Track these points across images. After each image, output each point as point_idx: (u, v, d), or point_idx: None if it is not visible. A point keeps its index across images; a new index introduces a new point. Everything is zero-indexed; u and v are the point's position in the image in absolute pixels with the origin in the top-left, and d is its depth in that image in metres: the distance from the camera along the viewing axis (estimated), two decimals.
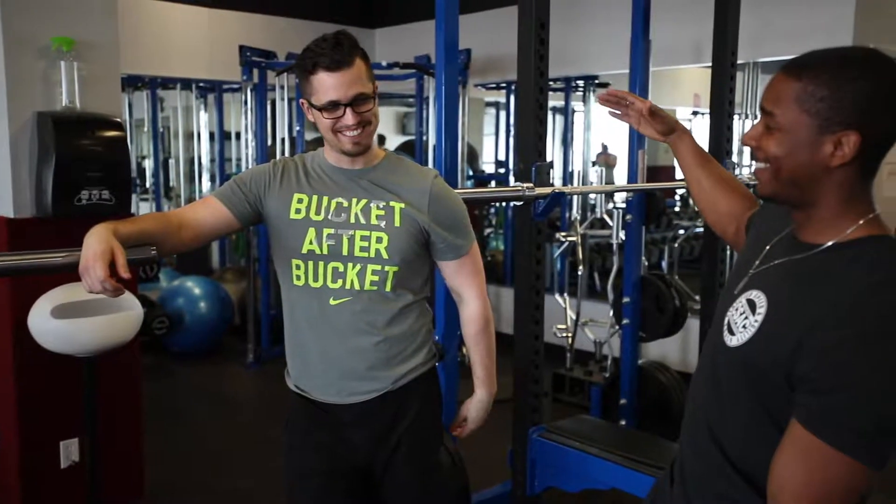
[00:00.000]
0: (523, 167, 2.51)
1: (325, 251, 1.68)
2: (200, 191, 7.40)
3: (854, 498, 1.03)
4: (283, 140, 5.74)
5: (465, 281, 1.82)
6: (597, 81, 6.00)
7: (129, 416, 3.16)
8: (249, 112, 5.31)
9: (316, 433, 1.77)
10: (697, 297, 4.20)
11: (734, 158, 3.46)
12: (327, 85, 1.59)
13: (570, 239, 4.63)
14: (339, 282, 1.68)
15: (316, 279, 1.69)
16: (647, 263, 4.57)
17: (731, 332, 1.14)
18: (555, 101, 6.69)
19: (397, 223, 1.69)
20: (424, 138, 6.08)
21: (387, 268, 1.69)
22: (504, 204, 6.36)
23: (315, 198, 1.70)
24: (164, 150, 7.52)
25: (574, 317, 4.61)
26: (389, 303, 1.72)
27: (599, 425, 3.12)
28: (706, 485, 1.21)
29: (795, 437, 1.03)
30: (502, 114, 7.63)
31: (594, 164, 7.28)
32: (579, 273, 4.65)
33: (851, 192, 1.09)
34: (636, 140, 3.37)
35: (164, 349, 5.35)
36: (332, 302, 1.69)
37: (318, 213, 1.69)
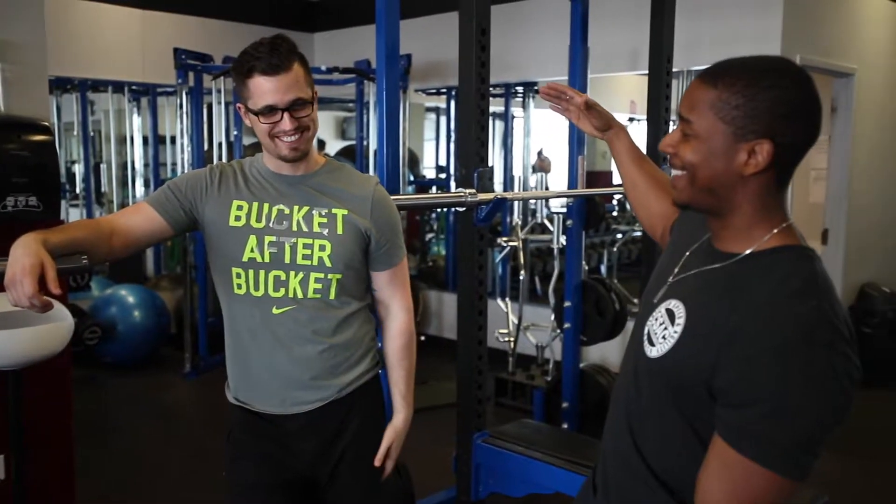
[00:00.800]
0: (465, 173, 2.51)
1: (266, 259, 1.64)
2: (134, 196, 7.20)
3: None
4: (220, 145, 5.63)
5: (395, 292, 1.81)
6: (536, 88, 6.07)
7: (58, 430, 3.03)
8: (185, 116, 5.19)
9: (259, 445, 1.73)
10: (636, 301, 4.28)
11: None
12: (264, 89, 1.57)
13: (511, 244, 4.66)
14: (282, 290, 1.65)
15: (257, 288, 1.65)
16: (586, 267, 4.63)
17: (651, 343, 1.14)
18: (495, 106, 6.72)
19: (340, 230, 1.67)
20: (365, 143, 6.05)
21: (330, 276, 1.67)
22: (446, 209, 6.37)
23: (255, 205, 1.66)
24: (95, 154, 7.29)
25: (516, 321, 4.64)
26: (334, 310, 1.69)
27: (542, 429, 3.14)
28: (629, 494, 1.21)
29: (718, 452, 1.03)
30: (443, 119, 7.65)
31: (534, 169, 7.36)
32: (521, 278, 4.68)
33: (765, 200, 1.10)
34: (576, 145, 3.42)
35: (96, 360, 5.18)
36: (274, 311, 1.66)
37: (258, 220, 1.65)
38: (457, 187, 2.53)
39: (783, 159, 1.07)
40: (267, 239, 1.64)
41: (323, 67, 5.41)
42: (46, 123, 2.86)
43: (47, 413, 2.95)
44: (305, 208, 1.67)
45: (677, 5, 3.25)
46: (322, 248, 1.65)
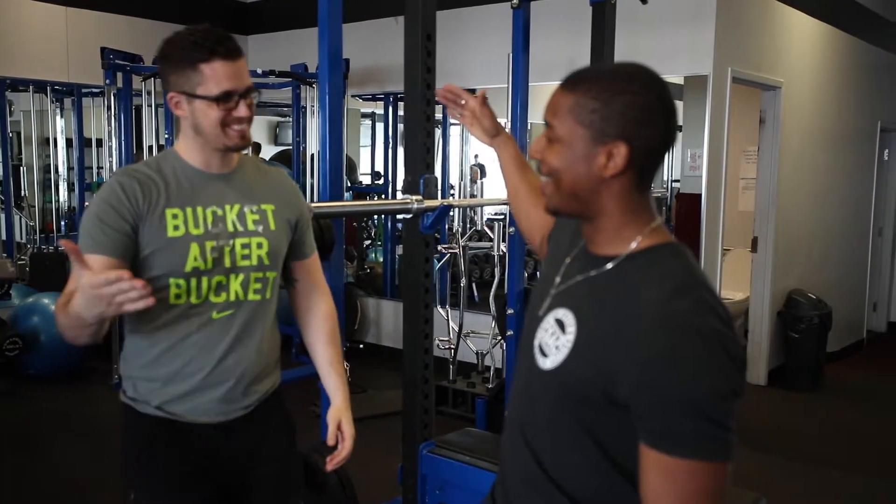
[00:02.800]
0: (411, 179, 2.48)
1: (209, 265, 1.56)
2: (57, 200, 6.91)
3: (723, 496, 1.06)
4: (150, 148, 5.45)
5: (319, 276, 1.82)
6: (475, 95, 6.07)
7: None
8: (113, 118, 5.01)
9: (187, 460, 1.64)
10: None
11: None
12: (223, 74, 1.50)
13: (451, 251, 4.64)
14: (223, 295, 1.59)
15: (199, 296, 1.57)
16: (527, 274, 4.65)
17: (545, 354, 1.15)
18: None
19: (273, 226, 1.64)
20: (302, 147, 5.95)
21: (268, 274, 1.64)
22: (384, 216, 6.31)
23: (189, 210, 1.56)
24: (13, 157, 6.97)
25: (456, 328, 4.62)
26: (268, 310, 1.68)
27: (487, 438, 3.11)
28: None
29: (651, 462, 1.04)
30: (379, 125, 7.60)
31: (472, 178, 7.38)
32: (461, 285, 4.66)
33: (630, 202, 1.13)
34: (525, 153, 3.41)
35: (17, 372, 4.93)
36: (214, 316, 1.59)
37: (196, 226, 1.56)
38: (403, 194, 2.49)
39: (640, 161, 1.10)
40: (208, 245, 1.56)
41: (259, 70, 5.30)
42: None
43: None
44: (237, 206, 1.61)
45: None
46: (259, 245, 1.62)
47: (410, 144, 2.51)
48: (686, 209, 5.80)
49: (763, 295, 5.30)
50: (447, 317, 4.81)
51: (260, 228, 1.62)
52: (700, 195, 4.74)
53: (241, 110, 1.53)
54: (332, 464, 1.73)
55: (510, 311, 3.53)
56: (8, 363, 4.76)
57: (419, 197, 2.44)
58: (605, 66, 1.19)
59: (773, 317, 5.35)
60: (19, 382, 4.92)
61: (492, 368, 4.55)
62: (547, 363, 1.13)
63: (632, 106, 1.08)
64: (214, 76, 1.50)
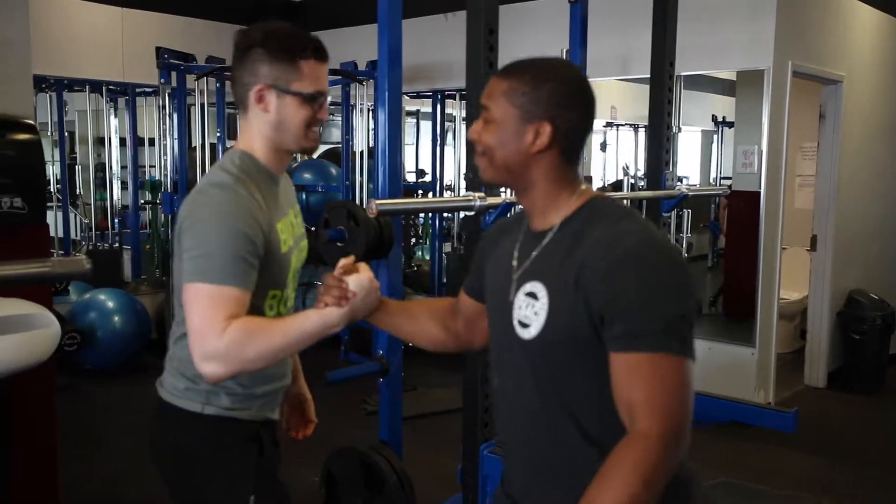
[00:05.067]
0: (473, 177, 2.44)
1: (294, 276, 1.61)
2: (111, 198, 7.04)
3: (689, 391, 1.16)
4: (202, 146, 5.51)
5: None
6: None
7: (43, 441, 2.91)
8: (167, 117, 5.07)
9: (277, 456, 1.66)
10: None
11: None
12: (318, 74, 1.49)
13: None
14: (289, 304, 1.64)
15: (285, 305, 1.61)
16: None
17: (526, 326, 1.26)
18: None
19: (302, 225, 1.68)
20: (351, 145, 5.96)
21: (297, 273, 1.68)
22: (431, 214, 6.30)
23: (284, 221, 1.55)
24: (70, 155, 7.12)
25: None
26: None
27: None
28: (558, 465, 1.28)
29: (621, 365, 1.17)
30: (423, 123, 7.59)
31: None
32: None
33: (558, 174, 1.29)
34: None
35: (75, 367, 5.03)
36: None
37: (290, 238, 1.57)
38: (466, 191, 2.46)
39: (563, 138, 1.27)
40: (293, 255, 1.58)
41: None
42: (32, 122, 2.74)
43: (31, 425, 2.83)
44: (291, 210, 1.62)
45: None
46: (302, 248, 1.66)
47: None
48: (740, 207, 5.68)
49: (822, 295, 5.16)
50: None
51: (301, 230, 1.66)
52: (755, 193, 4.63)
53: (324, 112, 1.53)
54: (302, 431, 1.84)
55: None
56: (66, 358, 4.86)
57: (482, 194, 2.40)
58: (535, 59, 1.32)
59: (832, 317, 5.20)
60: (77, 376, 5.02)
61: None
62: (531, 331, 1.25)
63: (556, 92, 1.26)
64: (311, 74, 1.48)
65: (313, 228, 5.43)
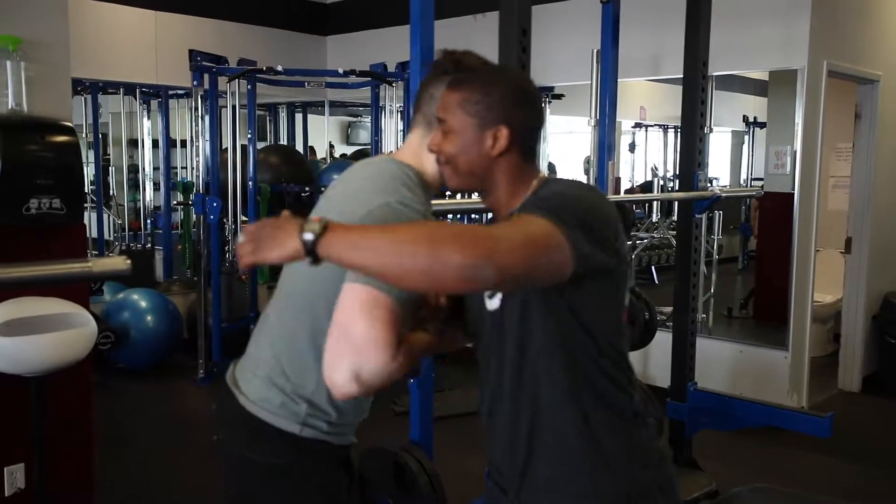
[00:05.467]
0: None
1: None
2: (144, 199, 7.14)
3: (545, 253, 1.15)
4: (233, 148, 5.56)
5: None
6: (553, 93, 6.00)
7: (79, 439, 2.96)
8: (200, 119, 5.12)
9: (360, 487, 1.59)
10: (664, 309, 4.21)
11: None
12: None
13: None
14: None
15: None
16: None
17: (491, 297, 1.36)
18: None
19: None
20: (379, 146, 5.99)
21: None
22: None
23: None
24: (105, 157, 7.23)
25: None
26: None
27: None
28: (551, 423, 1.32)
29: (511, 221, 1.23)
30: None
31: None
32: None
33: (519, 171, 1.37)
34: (605, 151, 3.35)
35: (109, 366, 5.11)
36: None
37: None
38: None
39: (520, 138, 1.34)
40: None
41: (340, 70, 5.35)
42: (70, 124, 2.79)
43: (69, 422, 2.88)
44: None
45: None
46: None
47: None
48: (772, 209, 5.61)
49: (857, 298, 5.07)
50: None
51: None
52: (788, 194, 4.56)
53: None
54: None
55: None
56: (100, 357, 4.93)
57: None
58: (480, 68, 1.41)
59: (867, 321, 5.11)
60: (110, 375, 5.10)
61: None
62: (495, 301, 1.35)
63: (506, 95, 1.33)
64: None
65: None
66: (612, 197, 3.26)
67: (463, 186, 1.41)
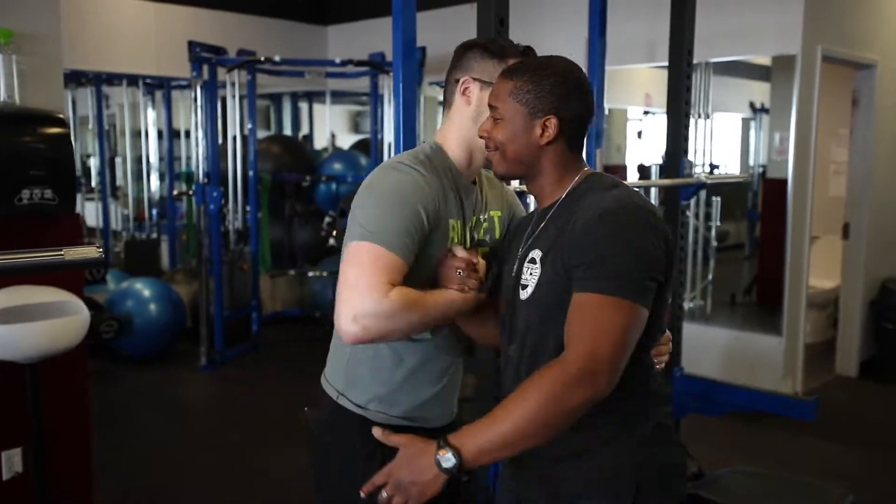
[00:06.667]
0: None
1: None
2: (149, 190, 7.22)
3: (629, 334, 1.25)
4: (234, 138, 5.62)
5: None
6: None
7: (76, 424, 3.03)
8: (199, 109, 5.18)
9: None
10: None
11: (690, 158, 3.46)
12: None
13: None
14: None
15: None
16: None
17: (524, 287, 1.39)
18: None
19: (497, 234, 1.63)
20: (379, 137, 6.02)
21: None
22: None
23: (459, 223, 1.54)
24: (111, 148, 7.31)
25: None
26: None
27: None
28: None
29: (574, 305, 1.27)
30: None
31: None
32: None
33: (564, 161, 1.41)
34: (593, 139, 3.36)
35: (112, 353, 5.19)
36: None
37: (461, 240, 1.55)
38: None
39: (568, 129, 1.39)
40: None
41: (337, 60, 5.39)
42: (62, 116, 2.84)
43: (65, 408, 2.95)
44: (475, 217, 1.59)
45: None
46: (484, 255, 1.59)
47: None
48: (773, 194, 5.60)
49: (855, 284, 5.07)
50: None
51: (487, 237, 1.61)
52: (786, 180, 4.56)
53: None
54: None
55: None
56: (104, 345, 5.02)
57: None
58: (534, 58, 1.47)
59: (864, 307, 5.11)
60: (114, 363, 5.18)
61: None
62: (528, 291, 1.38)
63: (557, 86, 1.37)
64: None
65: (331, 216, 5.50)
66: None
67: (509, 173, 1.45)
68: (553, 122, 1.37)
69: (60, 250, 1.46)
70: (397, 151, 2.61)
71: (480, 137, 1.43)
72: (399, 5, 2.55)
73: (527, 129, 1.38)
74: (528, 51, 1.56)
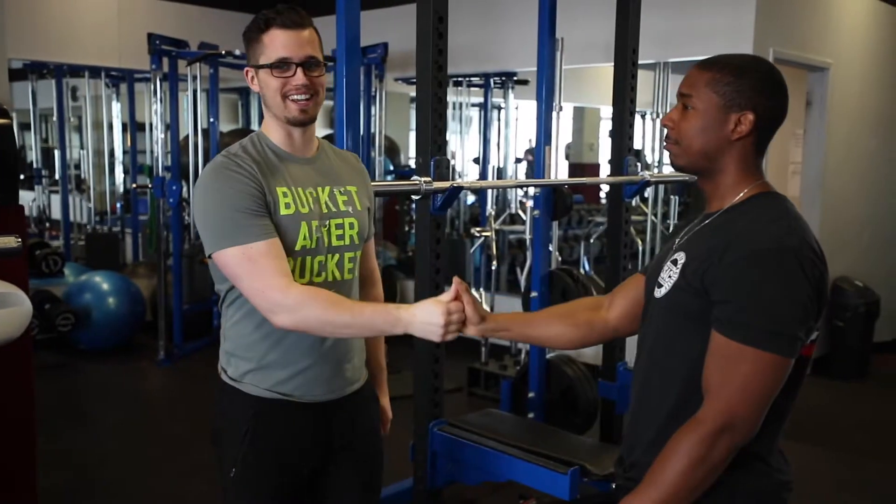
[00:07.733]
0: (422, 161, 2.51)
1: (314, 245, 1.59)
2: (114, 183, 7.17)
3: (771, 388, 1.25)
4: (194, 132, 5.60)
5: (373, 263, 1.85)
6: (515, 78, 6.05)
7: (19, 416, 3.02)
8: (159, 103, 5.15)
9: (296, 440, 1.65)
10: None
11: (641, 151, 3.53)
12: (279, 42, 1.53)
13: (485, 234, 4.65)
14: (323, 275, 1.61)
15: (303, 275, 1.59)
16: (559, 259, 4.64)
17: (660, 286, 1.39)
18: (477, 97, 6.72)
19: (359, 207, 1.68)
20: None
21: (357, 253, 1.68)
22: None
23: (295, 189, 1.59)
24: (81, 141, 7.26)
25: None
26: (355, 289, 1.71)
27: (504, 419, 3.15)
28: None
29: (715, 346, 1.27)
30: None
31: (518, 160, 7.35)
32: (493, 268, 4.68)
33: (747, 162, 1.37)
34: (542, 136, 3.41)
35: (70, 346, 5.17)
36: None
37: (303, 205, 1.58)
38: (415, 175, 2.52)
39: (762, 127, 1.35)
40: (313, 224, 1.58)
41: None
42: (4, 107, 2.83)
43: (7, 399, 2.93)
44: (328, 188, 1.64)
45: (653, 0, 3.24)
46: (351, 226, 1.65)
47: (422, 126, 2.54)
48: None
49: None
50: (482, 299, 4.84)
51: (350, 209, 1.65)
52: None
53: (299, 78, 1.53)
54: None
55: (534, 294, 3.54)
56: (61, 338, 4.99)
57: (428, 179, 2.46)
58: (735, 55, 1.41)
59: None
60: (71, 356, 5.16)
61: (523, 351, 4.56)
62: (662, 290, 1.38)
63: (760, 82, 1.34)
64: (272, 44, 1.54)
65: None
66: (542, 181, 3.33)
67: (688, 166, 1.40)
68: (749, 118, 1.33)
69: None
70: (339, 146, 2.65)
71: (664, 126, 1.40)
72: (342, 4, 2.58)
73: (720, 121, 1.34)
74: (296, 7, 1.57)
